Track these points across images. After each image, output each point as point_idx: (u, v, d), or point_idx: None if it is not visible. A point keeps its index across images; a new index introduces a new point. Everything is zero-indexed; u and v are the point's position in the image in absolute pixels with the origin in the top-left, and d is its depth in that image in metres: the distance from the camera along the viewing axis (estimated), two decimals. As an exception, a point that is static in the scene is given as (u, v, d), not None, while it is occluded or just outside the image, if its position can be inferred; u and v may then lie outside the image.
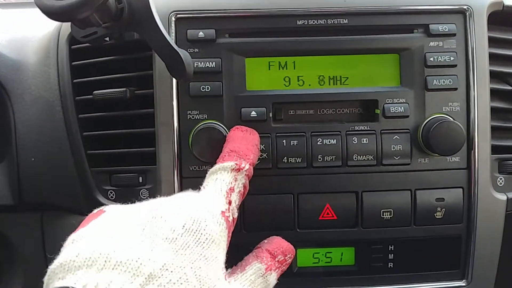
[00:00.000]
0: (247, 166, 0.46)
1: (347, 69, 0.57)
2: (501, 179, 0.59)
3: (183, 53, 0.48)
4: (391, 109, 0.55)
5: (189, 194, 0.44)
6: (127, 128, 0.58)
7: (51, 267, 0.34)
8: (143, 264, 0.33)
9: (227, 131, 0.53)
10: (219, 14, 0.56)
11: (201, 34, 0.55)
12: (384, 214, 0.56)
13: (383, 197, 0.56)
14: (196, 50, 0.55)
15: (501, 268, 0.59)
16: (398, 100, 0.56)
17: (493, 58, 0.58)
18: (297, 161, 0.55)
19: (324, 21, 0.56)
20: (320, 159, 0.55)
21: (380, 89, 0.56)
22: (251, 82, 0.56)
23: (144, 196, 0.57)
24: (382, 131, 0.55)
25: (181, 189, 0.55)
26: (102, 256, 0.33)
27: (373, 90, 0.56)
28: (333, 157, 0.55)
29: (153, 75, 0.56)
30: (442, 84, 0.56)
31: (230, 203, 0.43)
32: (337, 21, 0.56)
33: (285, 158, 0.55)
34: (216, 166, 0.45)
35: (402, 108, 0.55)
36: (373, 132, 0.55)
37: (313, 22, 0.56)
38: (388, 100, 0.56)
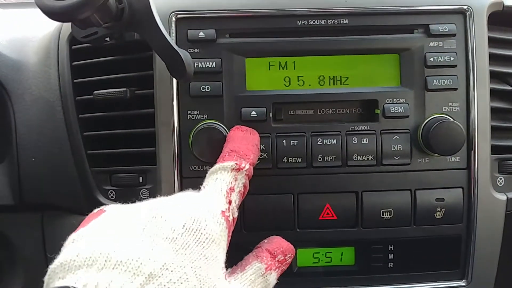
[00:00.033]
0: (247, 166, 0.46)
1: (347, 69, 0.57)
2: (501, 179, 0.59)
3: (183, 53, 0.48)
4: (391, 109, 0.55)
5: (189, 193, 0.44)
6: (128, 128, 0.58)
7: (52, 267, 0.34)
8: (143, 264, 0.33)
9: (227, 131, 0.53)
10: (220, 14, 0.56)
11: (201, 34, 0.55)
12: (384, 214, 0.56)
13: (383, 197, 0.56)
14: (196, 50, 0.55)
15: (501, 268, 0.59)
16: (398, 100, 0.56)
17: (493, 58, 0.58)
18: (297, 161, 0.55)
19: (325, 21, 0.56)
20: (320, 159, 0.55)
21: (380, 89, 0.56)
22: (251, 82, 0.56)
23: (144, 196, 0.57)
24: (382, 131, 0.56)
25: (181, 189, 0.55)
26: (102, 256, 0.33)
27: (373, 90, 0.56)
28: (333, 157, 0.55)
29: (154, 75, 0.56)
30: (442, 84, 0.56)
31: (230, 202, 0.43)
32: (337, 21, 0.56)
33: (285, 158, 0.55)
34: (216, 166, 0.45)
35: (402, 108, 0.55)
36: (373, 132, 0.56)
37: (314, 22, 0.56)
38: (388, 100, 0.56)
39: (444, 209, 0.56)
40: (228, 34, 0.56)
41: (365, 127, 0.56)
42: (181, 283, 0.34)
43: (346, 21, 0.56)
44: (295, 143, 0.55)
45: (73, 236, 0.38)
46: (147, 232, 0.36)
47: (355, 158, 0.55)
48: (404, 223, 0.56)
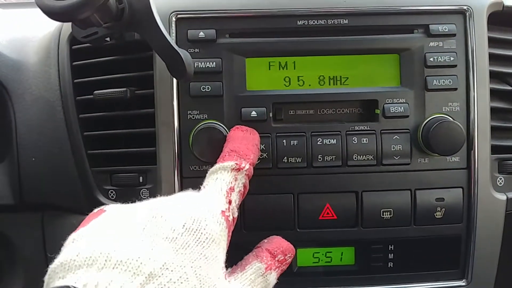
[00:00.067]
0: (247, 166, 0.46)
1: (347, 69, 0.57)
2: (501, 179, 0.59)
3: (183, 53, 0.48)
4: (391, 109, 0.55)
5: (189, 193, 0.44)
6: (128, 128, 0.58)
7: (52, 266, 0.34)
8: (143, 263, 0.33)
9: (227, 131, 0.53)
10: (220, 14, 0.56)
11: (201, 34, 0.55)
12: (384, 214, 0.56)
13: (383, 197, 0.56)
14: (196, 50, 0.55)
15: (501, 268, 0.59)
16: (398, 100, 0.56)
17: (493, 58, 0.58)
18: (297, 161, 0.55)
19: (325, 21, 0.56)
20: (320, 159, 0.55)
21: (380, 89, 0.56)
22: (251, 82, 0.56)
23: (144, 196, 0.57)
24: (382, 131, 0.56)
25: (182, 189, 0.55)
26: (102, 256, 0.33)
27: (373, 90, 0.56)
28: (333, 157, 0.55)
29: (154, 75, 0.56)
30: (442, 84, 0.56)
31: (230, 202, 0.43)
32: (337, 21, 0.56)
33: (285, 158, 0.55)
34: (216, 166, 0.45)
35: (402, 108, 0.55)
36: (373, 132, 0.56)
37: (314, 22, 0.56)
38: (388, 100, 0.56)
39: (444, 209, 0.56)
40: (228, 34, 0.56)
41: (365, 127, 0.56)
42: (181, 282, 0.34)
43: (346, 21, 0.56)
44: (295, 143, 0.55)
45: (73, 236, 0.38)
46: (147, 232, 0.37)
47: (355, 158, 0.55)
48: (404, 223, 0.56)
